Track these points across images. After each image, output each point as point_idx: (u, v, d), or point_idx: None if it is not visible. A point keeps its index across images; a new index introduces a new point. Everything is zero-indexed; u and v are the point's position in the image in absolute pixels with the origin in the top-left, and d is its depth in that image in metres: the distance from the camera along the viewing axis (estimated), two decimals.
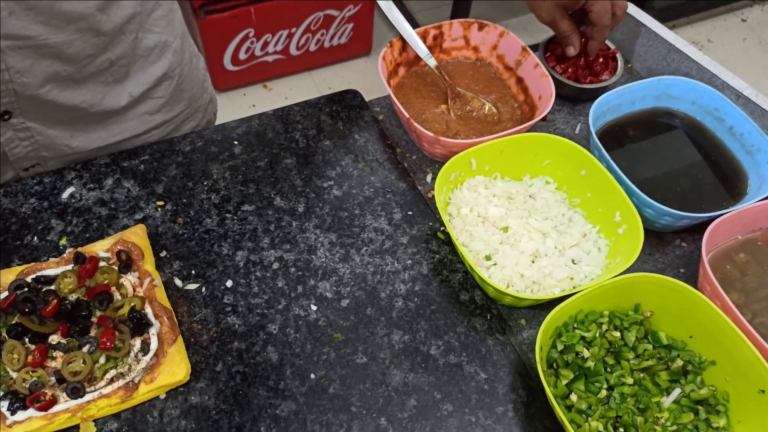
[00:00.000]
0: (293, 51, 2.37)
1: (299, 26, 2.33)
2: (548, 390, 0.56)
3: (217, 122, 0.93)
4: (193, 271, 0.68)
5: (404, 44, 0.86)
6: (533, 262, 0.69)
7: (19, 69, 0.66)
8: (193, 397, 0.60)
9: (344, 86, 2.44)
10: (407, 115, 0.76)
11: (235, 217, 0.73)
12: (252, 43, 2.26)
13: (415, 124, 0.76)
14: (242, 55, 2.26)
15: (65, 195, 0.74)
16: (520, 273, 0.67)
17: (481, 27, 0.89)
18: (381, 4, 0.84)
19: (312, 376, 0.62)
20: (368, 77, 2.46)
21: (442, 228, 0.74)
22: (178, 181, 0.76)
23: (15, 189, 0.74)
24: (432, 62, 0.85)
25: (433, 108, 0.85)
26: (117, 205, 0.73)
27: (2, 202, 0.73)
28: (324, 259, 0.70)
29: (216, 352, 0.63)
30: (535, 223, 0.72)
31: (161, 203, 0.74)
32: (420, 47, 0.85)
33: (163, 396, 0.60)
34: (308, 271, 0.69)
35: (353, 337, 0.65)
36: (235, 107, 2.30)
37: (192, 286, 0.67)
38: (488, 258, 0.69)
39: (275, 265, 0.70)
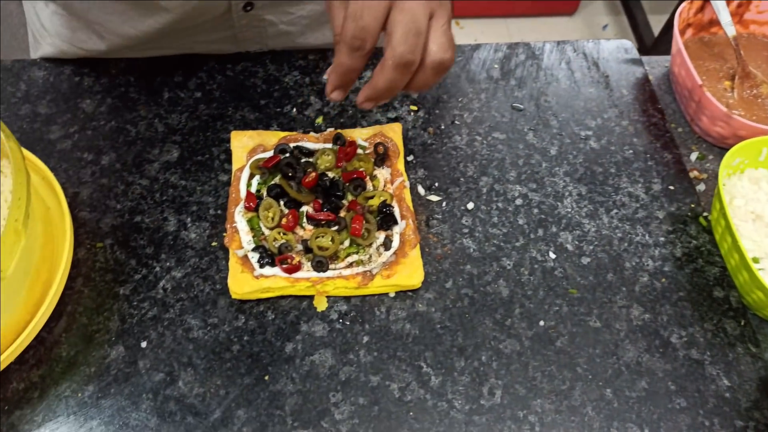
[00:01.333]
0: None
1: None
2: None
3: None
4: (436, 183, 0.67)
5: (703, 5, 0.77)
6: None
7: None
8: (420, 305, 0.59)
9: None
10: (699, 81, 0.68)
11: (484, 142, 0.70)
12: None
13: (707, 94, 0.67)
14: None
15: (326, 75, 0.74)
16: None
17: None
18: None
19: (541, 323, 0.59)
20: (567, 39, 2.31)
21: (705, 213, 0.67)
22: (433, 91, 0.74)
23: (281, 58, 0.75)
24: (731, 31, 0.75)
25: (715, 83, 0.76)
26: None
27: (269, 68, 0.74)
28: (570, 210, 0.66)
29: (447, 269, 0.62)
30: None
31: (414, 108, 0.72)
32: (723, 12, 0.75)
33: (392, 294, 0.60)
34: (551, 217, 0.65)
35: (589, 298, 0.60)
36: None
37: (434, 198, 0.66)
38: (756, 260, 0.61)
39: (518, 201, 0.66)
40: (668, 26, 2.00)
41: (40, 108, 0.69)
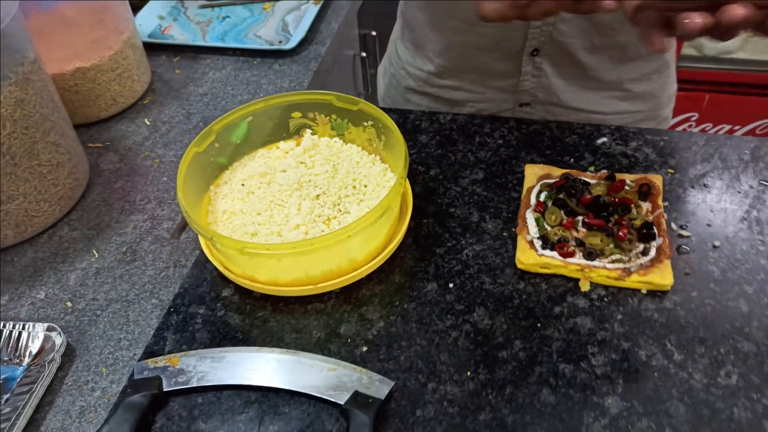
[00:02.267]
0: None
1: (744, 126, 2.30)
2: None
3: None
4: (688, 223, 0.82)
5: None
6: None
7: (565, 17, 0.85)
8: (667, 303, 0.74)
9: None
10: None
11: (734, 201, 0.84)
12: (690, 126, 2.32)
13: None
14: None
15: (599, 141, 0.96)
16: None
17: None
18: None
19: None
20: None
21: None
22: (690, 161, 0.91)
23: (563, 126, 0.99)
24: None
25: None
26: (632, 161, 0.92)
27: (554, 131, 0.99)
28: None
29: (693, 284, 0.75)
30: None
31: (672, 171, 0.90)
32: None
33: (644, 291, 0.75)
34: None
35: None
36: None
37: (684, 233, 0.81)
38: None
39: (761, 248, 0.78)
40: None
41: None
